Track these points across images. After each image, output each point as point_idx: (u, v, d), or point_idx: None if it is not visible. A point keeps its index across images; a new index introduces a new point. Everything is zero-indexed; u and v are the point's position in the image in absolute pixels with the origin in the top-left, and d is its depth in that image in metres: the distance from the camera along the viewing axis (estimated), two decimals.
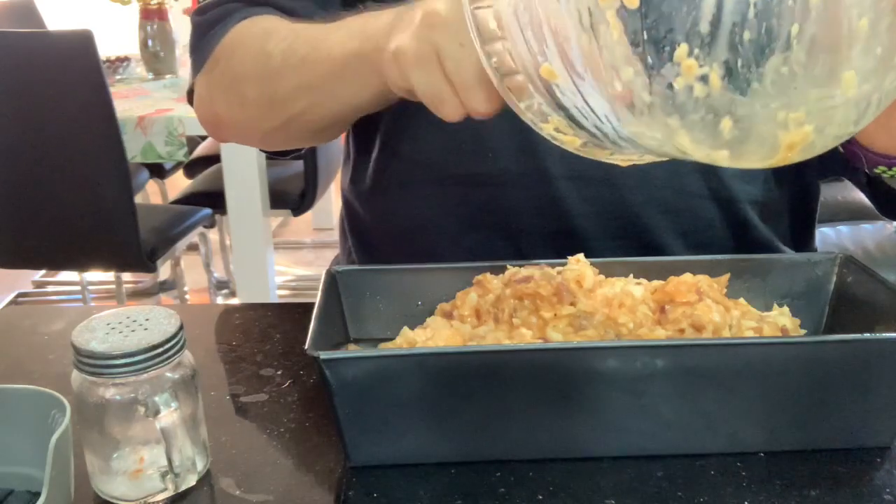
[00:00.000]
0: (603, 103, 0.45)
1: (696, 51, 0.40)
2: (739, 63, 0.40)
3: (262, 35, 0.72)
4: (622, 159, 0.51)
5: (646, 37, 0.40)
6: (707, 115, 0.42)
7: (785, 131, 0.42)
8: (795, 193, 0.84)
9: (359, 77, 0.65)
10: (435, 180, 0.78)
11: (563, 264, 0.62)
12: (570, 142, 0.50)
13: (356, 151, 0.87)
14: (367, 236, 0.88)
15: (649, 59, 0.41)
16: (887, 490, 0.52)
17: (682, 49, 0.40)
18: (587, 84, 0.44)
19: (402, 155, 0.79)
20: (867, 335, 0.53)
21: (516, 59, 0.48)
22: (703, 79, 0.41)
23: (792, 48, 0.40)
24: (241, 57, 0.73)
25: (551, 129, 0.50)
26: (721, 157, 0.44)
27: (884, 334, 0.53)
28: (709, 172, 0.74)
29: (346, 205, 0.90)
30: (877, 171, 0.70)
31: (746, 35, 0.39)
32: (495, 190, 0.75)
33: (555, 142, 0.51)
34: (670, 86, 0.41)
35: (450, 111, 0.56)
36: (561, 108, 0.48)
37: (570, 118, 0.48)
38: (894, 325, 0.57)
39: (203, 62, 0.77)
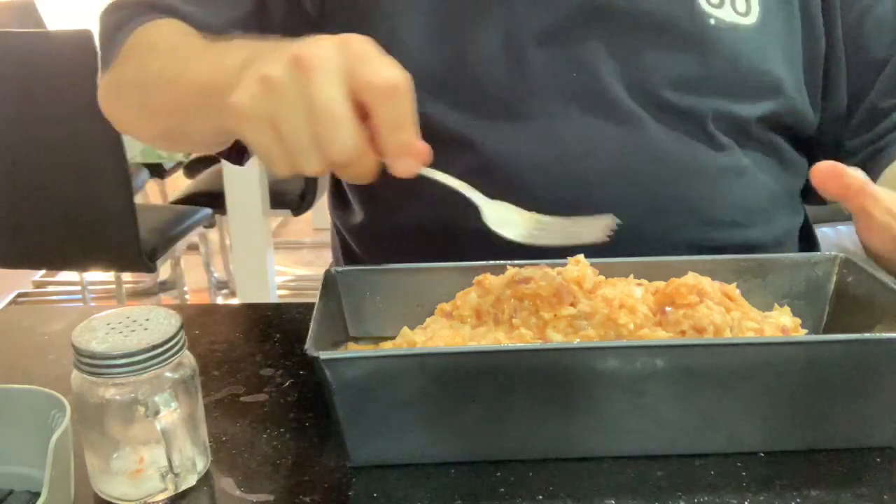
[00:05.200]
0: None
1: None
2: None
3: (148, 46, 0.75)
4: None
5: None
6: None
7: None
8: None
9: (203, 112, 0.65)
10: (431, 236, 0.76)
11: (563, 265, 0.62)
12: None
13: (341, 183, 0.86)
14: (360, 263, 0.86)
15: None
16: (887, 490, 0.52)
17: None
18: None
19: (387, 200, 0.78)
20: (869, 335, 0.53)
21: None
22: None
23: None
24: (128, 65, 0.76)
25: None
26: None
27: (885, 334, 0.53)
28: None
29: (336, 230, 0.89)
30: None
31: None
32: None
33: None
34: None
35: (283, 171, 0.54)
36: None
37: None
38: (894, 324, 0.58)
39: (108, 63, 0.79)
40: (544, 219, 0.60)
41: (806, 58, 0.78)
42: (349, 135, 0.51)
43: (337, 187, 0.88)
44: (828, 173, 0.60)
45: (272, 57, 0.53)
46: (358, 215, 0.83)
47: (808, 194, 0.84)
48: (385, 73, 0.52)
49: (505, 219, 0.59)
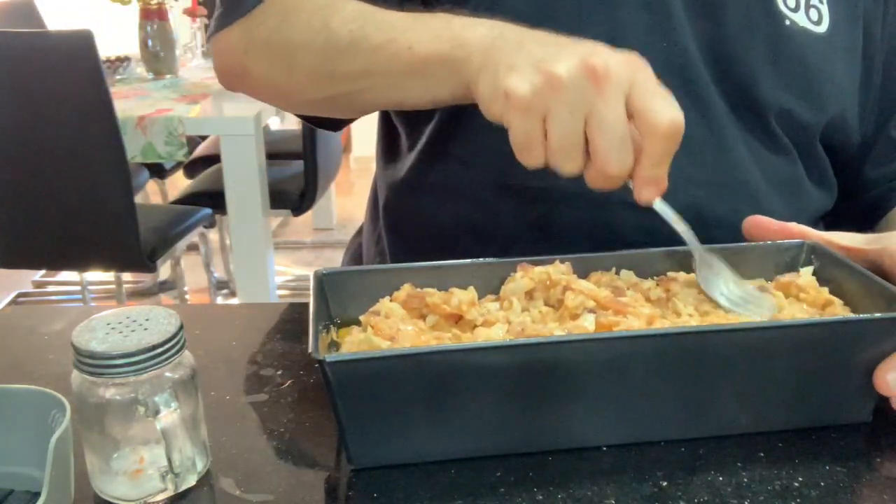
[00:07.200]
0: None
1: None
2: None
3: (323, 6, 0.71)
4: None
5: None
6: None
7: None
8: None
9: (438, 80, 0.65)
10: (488, 187, 0.76)
11: (548, 262, 0.63)
12: None
13: (397, 134, 0.85)
14: (402, 227, 0.85)
15: None
16: (888, 492, 0.52)
17: None
18: None
19: (453, 155, 0.77)
20: (849, 316, 0.56)
21: None
22: None
23: None
24: (299, 25, 0.72)
25: None
26: None
27: (861, 315, 0.56)
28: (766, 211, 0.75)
29: (380, 189, 0.88)
30: None
31: None
32: (549, 207, 0.74)
33: None
34: None
35: (532, 162, 0.58)
36: None
37: None
38: (861, 305, 0.60)
39: (242, 12, 0.75)
40: (747, 288, 0.62)
41: (863, 79, 0.81)
42: (628, 154, 0.56)
43: (388, 137, 0.87)
44: (755, 225, 0.67)
45: (561, 55, 0.56)
46: (402, 170, 0.82)
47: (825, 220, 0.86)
48: (668, 114, 0.55)
49: (711, 276, 0.62)
